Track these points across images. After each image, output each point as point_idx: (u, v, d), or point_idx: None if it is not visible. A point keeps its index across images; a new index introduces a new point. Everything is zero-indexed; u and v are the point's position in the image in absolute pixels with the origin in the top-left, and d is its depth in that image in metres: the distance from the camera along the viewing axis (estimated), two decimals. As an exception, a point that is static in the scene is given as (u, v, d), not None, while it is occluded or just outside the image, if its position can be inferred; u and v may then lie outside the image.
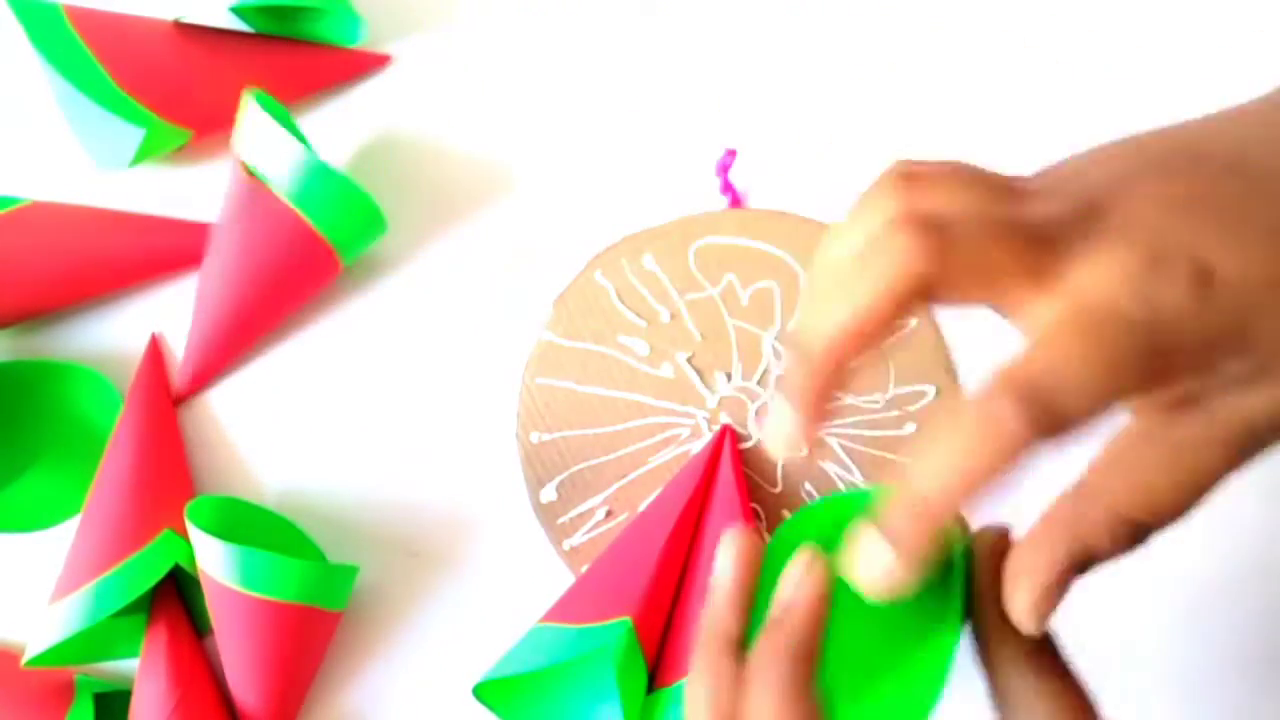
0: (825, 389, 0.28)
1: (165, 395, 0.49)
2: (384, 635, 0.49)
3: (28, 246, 0.47)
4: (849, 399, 0.48)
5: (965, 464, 0.25)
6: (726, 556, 0.31)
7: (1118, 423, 0.27)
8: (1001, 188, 0.28)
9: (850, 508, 0.30)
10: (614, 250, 0.49)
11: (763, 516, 0.48)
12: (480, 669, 0.43)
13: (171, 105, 0.47)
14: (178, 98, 0.48)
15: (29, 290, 0.48)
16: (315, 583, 0.44)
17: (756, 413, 0.48)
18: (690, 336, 0.48)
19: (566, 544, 0.48)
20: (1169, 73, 0.48)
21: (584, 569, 0.47)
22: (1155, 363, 0.25)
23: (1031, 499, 0.29)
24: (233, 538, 0.43)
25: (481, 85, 0.50)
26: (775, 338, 0.48)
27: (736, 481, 0.46)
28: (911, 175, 0.27)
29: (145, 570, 0.44)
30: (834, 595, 0.29)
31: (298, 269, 0.47)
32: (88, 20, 0.47)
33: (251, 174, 0.46)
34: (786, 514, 0.48)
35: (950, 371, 0.47)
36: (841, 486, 0.48)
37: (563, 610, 0.43)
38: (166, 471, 0.47)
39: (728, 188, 0.49)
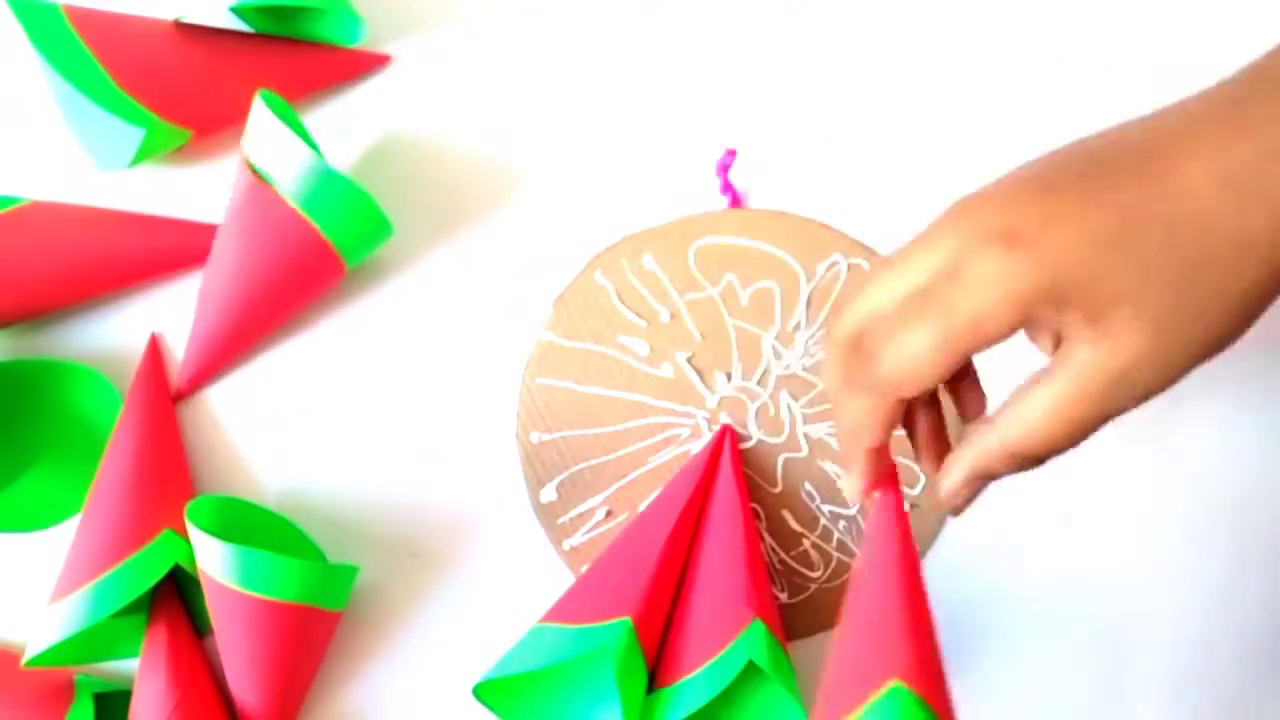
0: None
1: (165, 395, 0.49)
2: (384, 635, 0.49)
3: (28, 246, 0.47)
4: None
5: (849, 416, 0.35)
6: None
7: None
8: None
9: None
10: (614, 250, 0.49)
11: (763, 516, 0.48)
12: (480, 669, 0.43)
13: (171, 105, 0.47)
14: (178, 98, 0.48)
15: (29, 290, 0.47)
16: (315, 583, 0.44)
17: (756, 412, 0.48)
18: (690, 336, 0.48)
19: (566, 544, 0.48)
20: (1169, 73, 0.48)
21: (584, 569, 0.47)
22: (985, 322, 0.31)
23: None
24: (233, 538, 0.43)
25: (481, 85, 0.50)
26: (775, 337, 0.48)
27: (736, 481, 0.46)
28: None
29: (145, 570, 0.44)
30: None
31: (302, 272, 0.46)
32: (88, 20, 0.47)
33: (259, 176, 0.46)
34: (786, 514, 0.48)
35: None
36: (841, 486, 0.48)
37: (563, 610, 0.43)
38: (166, 471, 0.47)
39: (728, 188, 0.49)
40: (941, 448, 0.37)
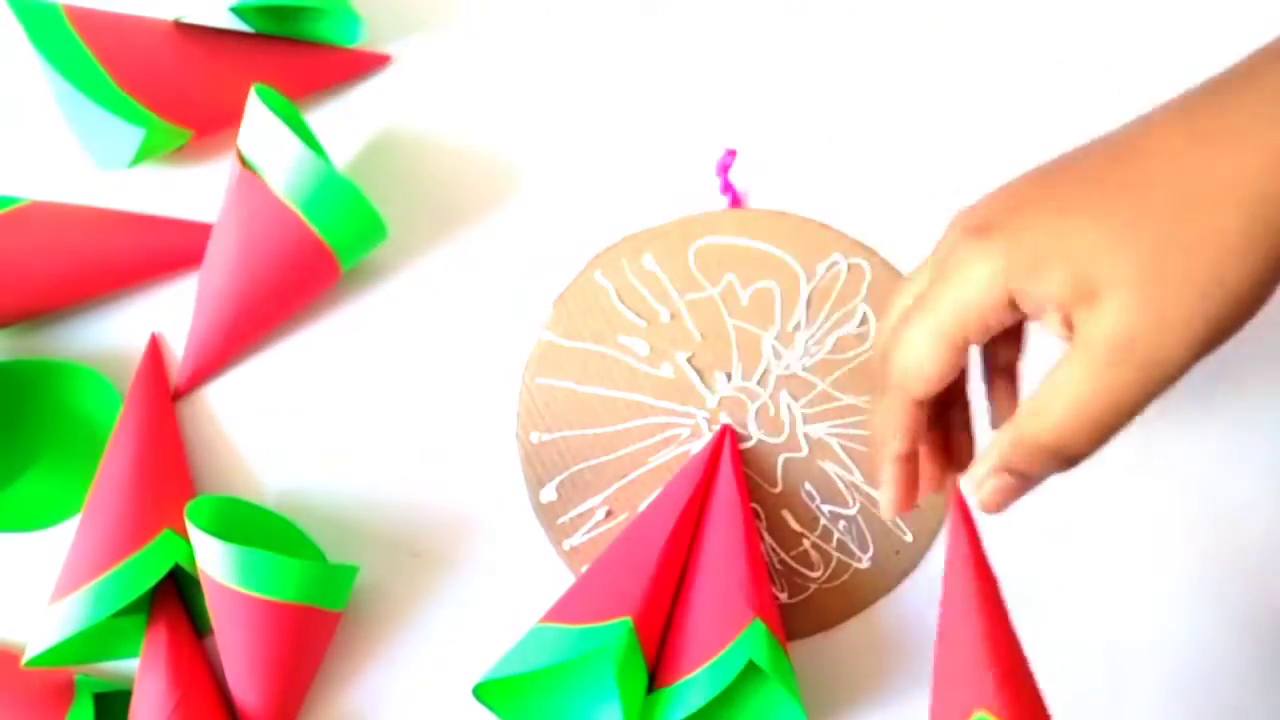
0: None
1: (165, 395, 0.49)
2: (384, 635, 0.49)
3: (28, 246, 0.47)
4: (849, 399, 0.48)
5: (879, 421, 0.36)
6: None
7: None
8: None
9: None
10: (614, 250, 0.49)
11: (763, 516, 0.48)
12: (480, 669, 0.43)
13: (171, 105, 0.47)
14: (178, 98, 0.48)
15: (29, 290, 0.47)
16: (315, 583, 0.44)
17: (756, 412, 0.48)
18: (690, 336, 0.48)
19: (566, 544, 0.48)
20: (1169, 73, 0.48)
21: (584, 569, 0.47)
22: (973, 307, 0.32)
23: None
24: (233, 538, 0.43)
25: (481, 85, 0.50)
26: (775, 337, 0.48)
27: (736, 481, 0.46)
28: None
29: (145, 570, 0.44)
30: None
31: (297, 273, 0.46)
32: (88, 20, 0.47)
33: (255, 174, 0.45)
34: (786, 514, 0.48)
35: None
36: (841, 486, 0.48)
37: (563, 610, 0.43)
38: (166, 471, 0.47)
39: (728, 188, 0.49)
40: (960, 454, 0.39)
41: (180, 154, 0.50)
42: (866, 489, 0.48)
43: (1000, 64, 0.49)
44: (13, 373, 0.49)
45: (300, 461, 0.49)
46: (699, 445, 0.48)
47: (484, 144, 0.50)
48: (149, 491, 0.46)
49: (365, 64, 0.50)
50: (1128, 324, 0.30)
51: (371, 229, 0.46)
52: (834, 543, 0.48)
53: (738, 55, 0.50)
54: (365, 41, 0.50)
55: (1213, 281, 0.29)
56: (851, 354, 0.48)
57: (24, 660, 0.44)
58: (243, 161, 0.45)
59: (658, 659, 0.44)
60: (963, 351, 0.33)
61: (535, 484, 0.48)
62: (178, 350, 0.50)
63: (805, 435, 0.48)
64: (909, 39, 0.49)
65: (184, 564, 0.45)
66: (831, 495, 0.48)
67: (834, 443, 0.48)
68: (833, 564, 0.48)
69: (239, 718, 0.46)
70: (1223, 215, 0.29)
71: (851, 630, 0.48)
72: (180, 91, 0.48)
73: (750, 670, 0.43)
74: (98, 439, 0.48)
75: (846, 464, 0.48)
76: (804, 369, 0.48)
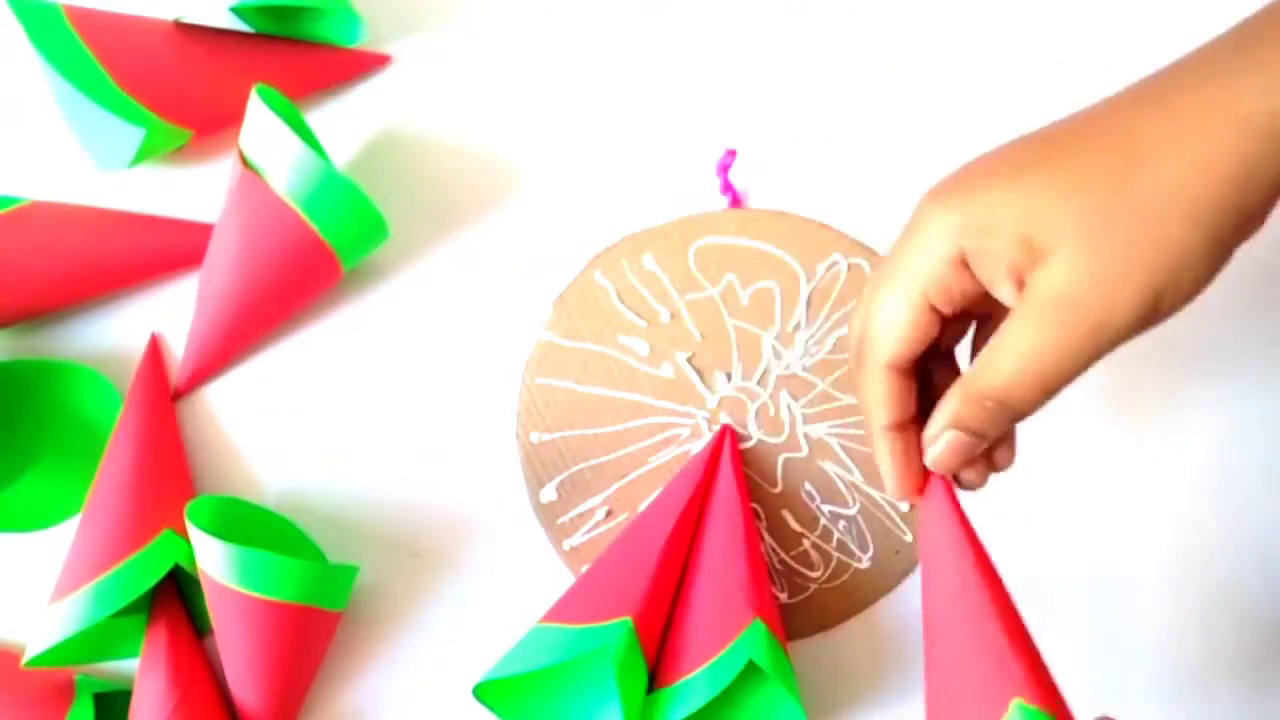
0: None
1: (165, 395, 0.49)
2: (384, 635, 0.49)
3: (28, 246, 0.47)
4: (849, 399, 0.48)
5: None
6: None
7: None
8: None
9: None
10: (614, 250, 0.49)
11: (763, 516, 0.48)
12: (480, 669, 0.43)
13: (171, 105, 0.47)
14: (178, 98, 0.48)
15: (29, 290, 0.47)
16: (315, 583, 0.44)
17: (756, 412, 0.48)
18: (690, 336, 0.48)
19: (566, 544, 0.48)
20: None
21: (584, 569, 0.47)
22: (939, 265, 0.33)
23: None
24: (233, 538, 0.43)
25: (481, 85, 0.50)
26: (775, 337, 0.48)
27: (736, 481, 0.46)
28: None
29: (145, 570, 0.44)
30: None
31: (298, 272, 0.46)
32: (88, 20, 0.47)
33: (256, 174, 0.45)
34: (786, 514, 0.48)
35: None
36: (841, 486, 0.48)
37: (563, 610, 0.43)
38: (166, 471, 0.47)
39: (728, 188, 0.49)
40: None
41: (180, 154, 0.50)
42: (867, 489, 0.48)
43: (1000, 64, 0.49)
44: (13, 373, 0.49)
45: (300, 461, 0.49)
46: (699, 445, 0.48)
47: (484, 144, 0.50)
48: (149, 491, 0.46)
49: (365, 64, 0.50)
50: (1074, 279, 0.30)
51: (373, 229, 0.46)
52: (834, 543, 0.48)
53: (738, 55, 0.50)
54: (365, 41, 0.50)
55: (1162, 239, 0.29)
56: (851, 354, 0.48)
57: (24, 660, 0.44)
58: (244, 161, 0.46)
59: (658, 659, 0.44)
60: (926, 311, 0.34)
61: (535, 484, 0.48)
62: (178, 350, 0.50)
63: (805, 435, 0.48)
64: (909, 39, 0.49)
65: (184, 564, 0.45)
66: (831, 495, 0.48)
67: (834, 443, 0.48)
68: (833, 564, 0.48)
69: (239, 718, 0.46)
70: (1173, 172, 0.29)
71: (851, 630, 0.48)
72: (180, 91, 0.48)
73: (750, 670, 0.43)
74: (98, 439, 0.48)
75: (846, 464, 0.48)
76: (804, 369, 0.48)
